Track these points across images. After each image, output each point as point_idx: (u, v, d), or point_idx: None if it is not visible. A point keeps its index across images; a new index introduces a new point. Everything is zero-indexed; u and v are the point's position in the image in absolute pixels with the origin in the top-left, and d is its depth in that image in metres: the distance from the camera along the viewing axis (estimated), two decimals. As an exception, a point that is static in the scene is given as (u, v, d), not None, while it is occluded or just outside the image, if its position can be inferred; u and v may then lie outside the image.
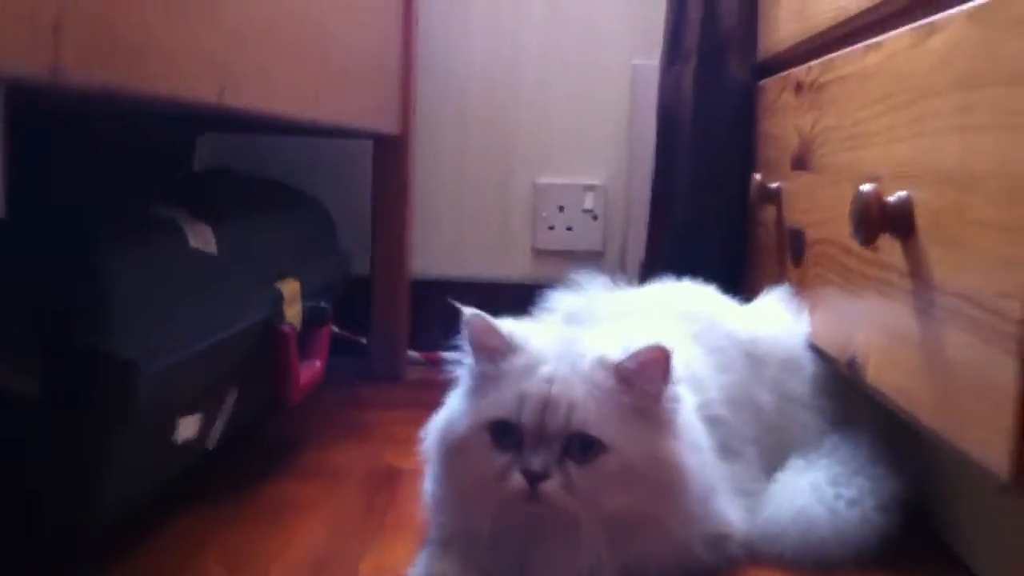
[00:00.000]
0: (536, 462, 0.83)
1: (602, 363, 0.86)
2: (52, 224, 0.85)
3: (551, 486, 0.83)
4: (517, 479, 0.83)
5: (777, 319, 1.16)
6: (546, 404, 0.84)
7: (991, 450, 0.66)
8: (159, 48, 0.58)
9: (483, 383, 0.89)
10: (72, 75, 0.48)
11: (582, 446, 0.84)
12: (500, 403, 0.86)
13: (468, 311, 0.89)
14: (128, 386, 0.81)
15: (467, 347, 0.91)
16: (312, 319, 1.25)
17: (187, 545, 0.97)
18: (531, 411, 0.84)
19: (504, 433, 0.85)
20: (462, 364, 0.93)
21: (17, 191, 0.75)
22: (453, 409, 0.91)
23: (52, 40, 0.46)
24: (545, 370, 0.86)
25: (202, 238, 1.02)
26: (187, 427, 0.96)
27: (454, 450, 0.88)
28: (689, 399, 0.94)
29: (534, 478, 0.83)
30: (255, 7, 0.83)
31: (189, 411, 0.96)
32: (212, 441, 1.06)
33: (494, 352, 0.89)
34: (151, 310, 0.87)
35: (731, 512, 0.97)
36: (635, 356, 0.85)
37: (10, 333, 0.78)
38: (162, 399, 0.86)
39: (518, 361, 0.88)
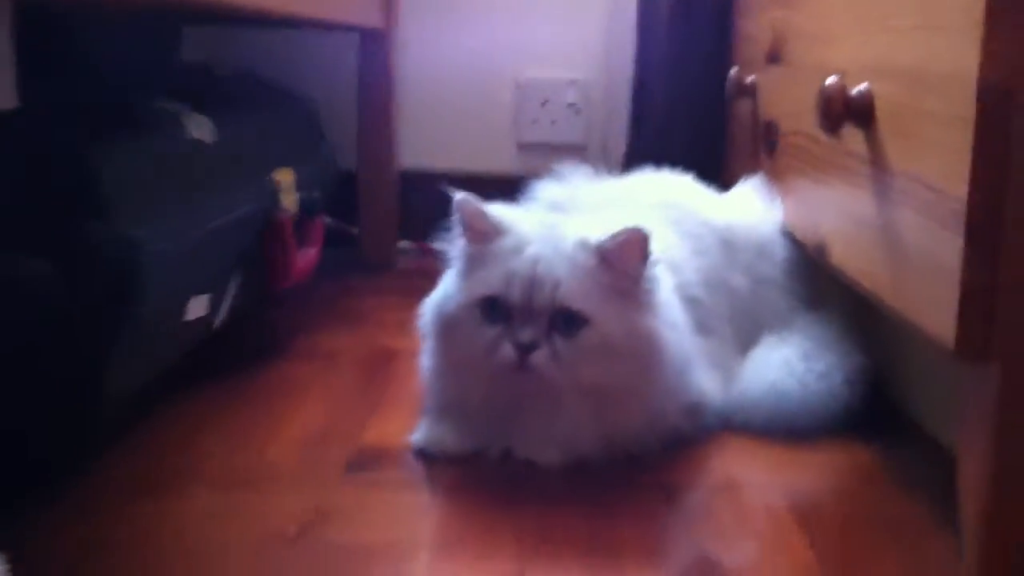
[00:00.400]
0: (525, 335, 0.90)
1: (584, 244, 0.93)
2: (57, 115, 0.89)
3: (539, 357, 0.90)
4: (507, 350, 0.90)
5: (751, 207, 1.23)
6: (532, 281, 0.91)
7: (939, 322, 0.73)
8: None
9: (473, 263, 0.95)
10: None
11: (566, 321, 0.91)
12: (489, 281, 0.92)
13: (459, 195, 0.95)
14: (135, 264, 0.85)
15: (458, 230, 0.97)
16: (306, 208, 1.30)
17: (193, 421, 1.04)
18: (519, 288, 0.91)
19: (493, 309, 0.92)
20: (453, 247, 0.99)
21: (28, 86, 0.80)
22: (447, 288, 0.98)
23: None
24: (531, 250, 0.93)
25: (201, 128, 1.07)
26: (197, 307, 1.02)
27: (448, 326, 0.95)
28: (667, 280, 1.01)
29: (524, 349, 0.90)
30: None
31: (199, 291, 1.02)
32: (218, 321, 1.12)
33: (483, 234, 0.95)
34: (156, 195, 0.92)
35: (707, 384, 1.05)
36: (615, 237, 0.92)
37: (24, 220, 0.82)
38: (174, 278, 0.92)
39: (505, 243, 0.94)
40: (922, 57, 0.77)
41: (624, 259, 0.92)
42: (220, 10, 0.83)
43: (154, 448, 0.98)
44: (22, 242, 0.82)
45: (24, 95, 0.81)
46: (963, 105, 0.69)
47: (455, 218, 0.97)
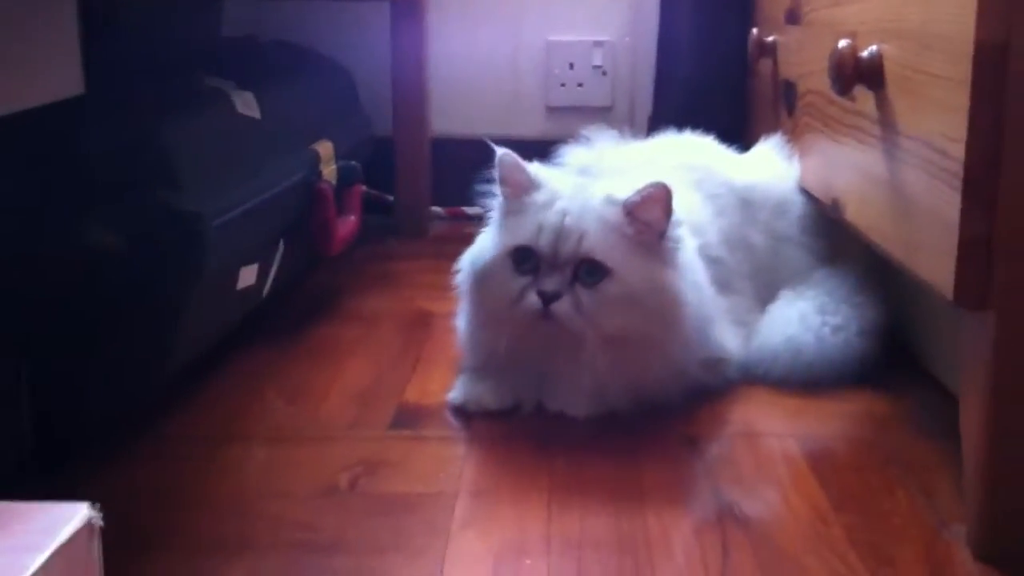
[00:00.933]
0: (550, 284, 0.96)
1: (610, 199, 0.98)
2: (123, 100, 0.96)
3: (562, 306, 0.96)
4: (533, 299, 0.96)
5: (770, 166, 1.27)
6: (560, 232, 0.97)
7: (940, 273, 0.78)
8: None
9: (508, 217, 1.02)
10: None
11: (590, 271, 0.96)
12: (521, 232, 0.98)
13: (500, 150, 1.02)
14: (199, 235, 0.93)
15: (497, 185, 1.02)
16: (346, 177, 1.36)
17: (249, 381, 1.12)
18: (547, 238, 0.97)
19: (524, 259, 0.98)
20: (491, 203, 1.05)
21: (94, 71, 0.87)
22: (483, 242, 1.04)
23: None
24: (560, 204, 0.99)
25: (247, 104, 1.13)
26: (247, 276, 1.09)
27: (481, 276, 1.01)
28: (690, 241, 1.06)
29: (547, 298, 0.96)
30: None
31: (248, 261, 1.09)
32: (266, 289, 1.19)
33: (519, 187, 1.01)
34: (212, 171, 0.98)
35: (728, 339, 1.10)
36: (639, 192, 0.97)
37: (95, 198, 0.89)
38: (227, 250, 0.99)
39: (538, 196, 1.00)
40: (925, 19, 0.81)
41: (648, 213, 0.98)
42: None
43: (218, 405, 1.05)
44: (102, 215, 0.88)
45: (88, 81, 0.87)
46: (961, 66, 0.73)
47: (495, 173, 1.02)
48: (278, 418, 1.02)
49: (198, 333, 1.02)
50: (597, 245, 0.96)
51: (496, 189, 1.04)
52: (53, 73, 0.83)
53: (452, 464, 0.92)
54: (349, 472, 0.90)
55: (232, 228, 0.98)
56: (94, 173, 0.90)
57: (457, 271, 1.07)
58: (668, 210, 0.98)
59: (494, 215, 1.05)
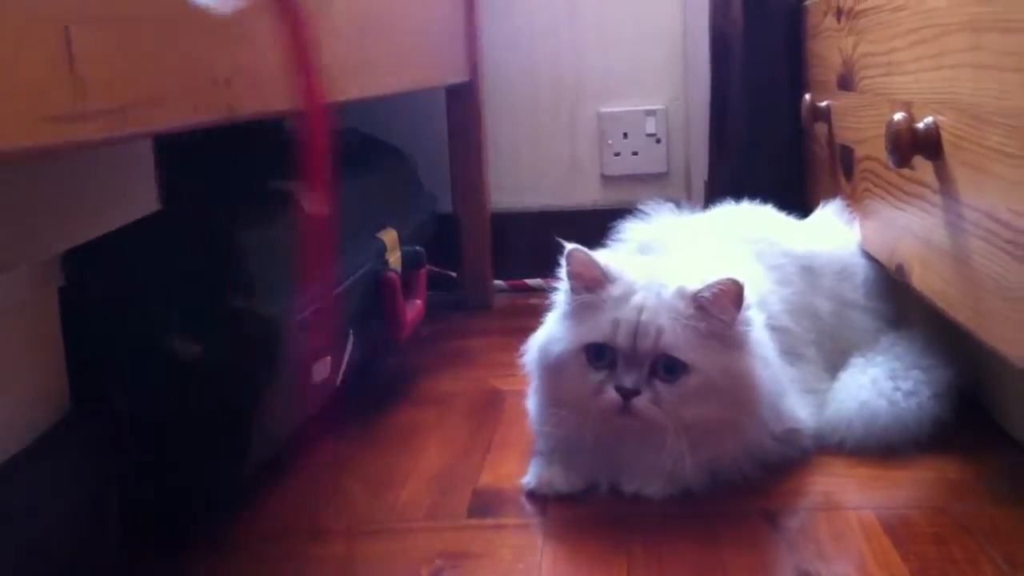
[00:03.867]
0: (629, 380, 0.97)
1: (682, 294, 0.99)
2: (197, 211, 0.99)
3: (641, 401, 0.97)
4: (612, 394, 0.97)
5: (831, 232, 1.28)
6: (637, 329, 0.97)
7: (1012, 343, 0.78)
8: (289, 75, 0.72)
9: (580, 309, 1.02)
10: (242, 111, 0.62)
11: (667, 367, 0.97)
12: (597, 328, 0.99)
13: (569, 246, 1.02)
14: (275, 338, 0.96)
15: (565, 277, 1.04)
16: (411, 263, 1.39)
17: (325, 472, 1.13)
18: (624, 335, 0.98)
19: (599, 355, 0.99)
20: (558, 291, 1.06)
21: (165, 183, 0.91)
22: (551, 330, 1.05)
23: (227, 91, 0.59)
24: (636, 299, 1.00)
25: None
26: (321, 370, 1.11)
27: (553, 368, 1.02)
28: (759, 319, 1.06)
29: (627, 394, 0.96)
30: (348, 13, 0.96)
31: (322, 355, 1.11)
32: (339, 379, 1.21)
33: (591, 282, 1.02)
34: (286, 271, 1.01)
35: (800, 410, 1.10)
36: (711, 287, 0.98)
37: (177, 308, 0.93)
38: (301, 348, 1.02)
39: (613, 291, 1.01)
40: (976, 92, 0.82)
41: (720, 307, 0.98)
42: (342, 104, 0.93)
43: (295, 500, 1.07)
44: (182, 324, 0.92)
45: (163, 197, 0.91)
46: (1018, 142, 0.74)
47: (564, 268, 1.03)
48: (356, 510, 1.04)
49: (274, 431, 1.05)
50: (674, 342, 0.97)
51: (564, 281, 1.05)
52: (131, 195, 0.87)
53: (531, 553, 0.93)
54: (430, 566, 0.91)
55: (306, 326, 1.01)
56: (172, 285, 0.93)
57: (523, 353, 1.08)
58: (739, 304, 0.99)
59: (563, 305, 1.06)
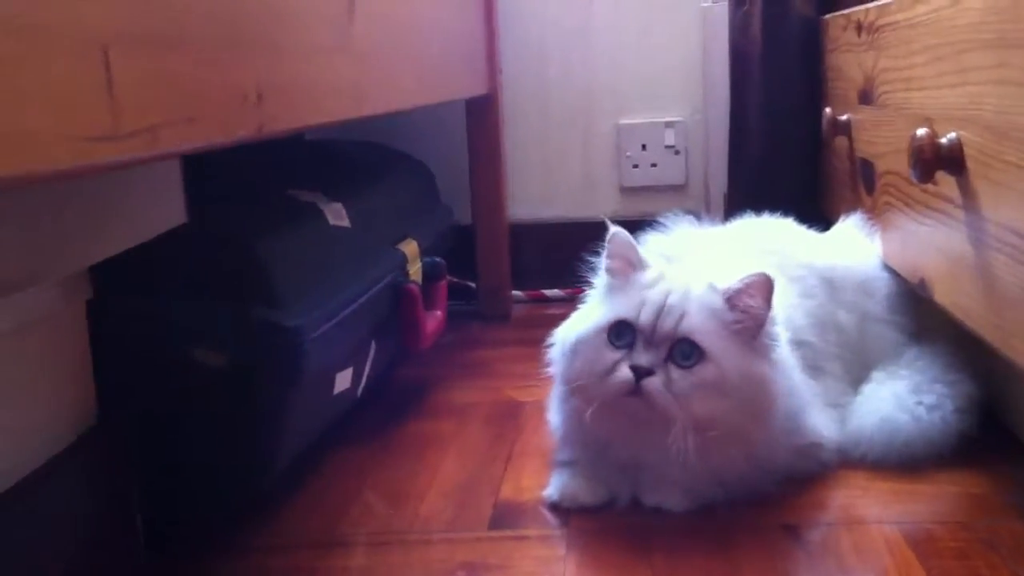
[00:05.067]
0: (644, 359, 0.97)
1: (713, 286, 1.00)
2: (221, 223, 1.00)
3: (653, 383, 0.96)
4: (625, 372, 0.97)
5: (852, 245, 1.28)
6: (661, 309, 0.98)
7: (1036, 359, 0.78)
8: (317, 90, 0.73)
9: (610, 293, 1.04)
10: (272, 129, 0.62)
11: (685, 354, 0.97)
12: (623, 306, 1.00)
13: (614, 227, 1.04)
14: (297, 349, 0.96)
15: (603, 260, 1.05)
16: (431, 274, 1.40)
17: (348, 482, 1.14)
18: (648, 314, 0.98)
19: (621, 333, 0.99)
20: (597, 278, 1.07)
21: (191, 196, 0.92)
22: (580, 316, 1.06)
23: (257, 109, 0.60)
24: (665, 283, 1.01)
25: (337, 215, 1.17)
26: (342, 380, 1.12)
27: (576, 347, 1.02)
28: (784, 335, 1.06)
29: (640, 373, 0.96)
30: (376, 31, 0.97)
31: (343, 366, 1.12)
32: (360, 390, 1.22)
33: (627, 265, 1.03)
34: (308, 284, 1.02)
35: (822, 423, 1.10)
36: (741, 281, 0.99)
37: (200, 319, 0.94)
38: (323, 359, 1.02)
39: (645, 275, 1.02)
40: (1001, 110, 0.82)
41: (749, 302, 0.99)
42: (367, 118, 0.94)
43: (317, 510, 1.07)
44: (208, 336, 0.93)
45: (189, 206, 0.93)
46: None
47: (606, 248, 1.05)
48: (377, 521, 1.04)
49: (296, 440, 1.06)
50: (696, 326, 0.97)
51: (601, 265, 1.06)
52: (158, 208, 0.88)
53: (553, 564, 0.93)
54: (452, 577, 0.91)
55: (328, 338, 1.02)
56: (197, 296, 0.94)
57: (549, 345, 1.08)
58: (768, 300, 0.99)
59: (595, 292, 1.07)
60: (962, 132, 0.91)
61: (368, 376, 1.24)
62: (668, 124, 1.95)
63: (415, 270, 1.34)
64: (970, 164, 0.90)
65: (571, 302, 1.11)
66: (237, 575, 0.94)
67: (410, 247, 1.35)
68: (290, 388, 0.98)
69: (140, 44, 0.50)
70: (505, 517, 1.03)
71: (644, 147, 1.96)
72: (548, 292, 1.95)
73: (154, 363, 0.96)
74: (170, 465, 1.00)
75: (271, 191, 1.16)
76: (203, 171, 1.03)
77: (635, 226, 1.29)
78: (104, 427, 0.94)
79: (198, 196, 0.99)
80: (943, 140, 0.93)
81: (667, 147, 1.96)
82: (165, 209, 0.90)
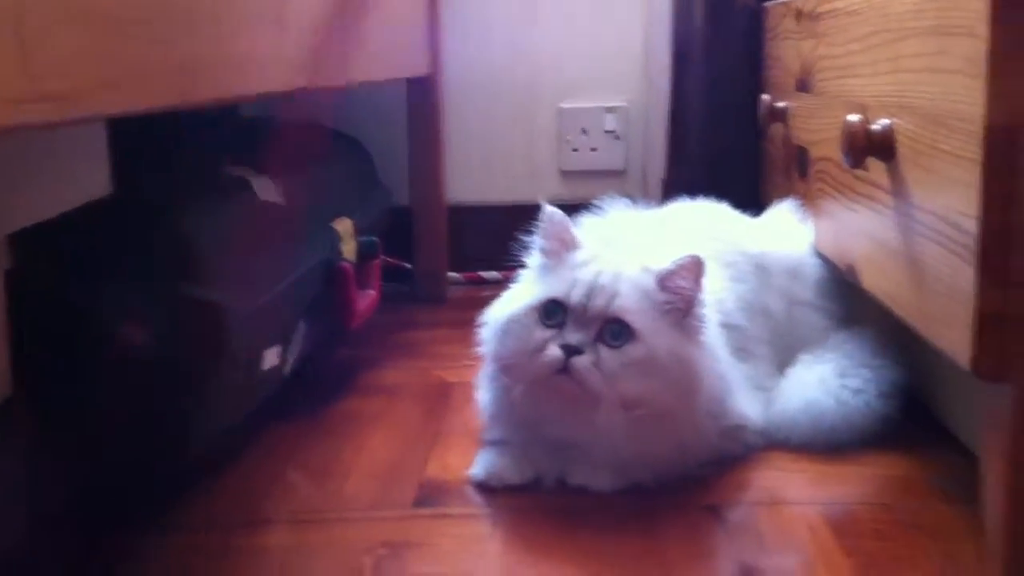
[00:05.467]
0: (574, 338, 0.97)
1: (645, 268, 1.00)
2: (149, 197, 0.98)
3: (582, 361, 0.96)
4: (554, 351, 0.97)
5: (784, 230, 1.28)
6: (593, 289, 0.98)
7: (958, 344, 0.78)
8: (250, 60, 0.71)
9: (543, 272, 1.04)
10: (196, 98, 0.61)
11: (615, 334, 0.97)
12: (554, 285, 1.00)
13: (549, 207, 1.04)
14: (224, 326, 0.95)
15: (538, 240, 1.05)
16: (365, 253, 1.38)
17: (273, 460, 1.12)
18: (579, 293, 0.98)
19: (552, 313, 0.99)
20: (530, 259, 1.07)
21: (118, 168, 0.90)
22: (512, 295, 1.06)
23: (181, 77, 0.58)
24: (597, 264, 1.01)
25: (269, 191, 1.15)
26: (270, 358, 1.10)
27: (507, 326, 1.02)
28: (713, 318, 1.07)
29: (570, 351, 0.96)
30: (311, 6, 0.95)
31: (271, 343, 1.10)
32: (288, 368, 1.20)
33: (562, 245, 1.03)
34: (237, 261, 1.00)
35: (748, 407, 1.11)
36: (674, 262, 0.99)
37: (123, 292, 0.92)
38: (250, 337, 1.01)
39: (578, 256, 1.02)
40: (934, 96, 0.83)
41: (680, 283, 0.99)
42: (299, 92, 0.93)
43: (240, 489, 1.06)
44: (129, 310, 0.91)
45: (115, 177, 0.90)
46: (972, 145, 0.74)
47: (541, 227, 1.05)
48: (300, 499, 1.03)
49: (221, 418, 1.04)
50: (627, 306, 0.98)
51: (535, 245, 1.06)
52: (82, 177, 0.86)
53: (477, 543, 0.92)
54: (373, 555, 0.90)
55: (256, 315, 1.00)
56: (121, 270, 0.92)
57: (482, 325, 1.07)
58: (699, 282, 0.99)
59: (527, 271, 1.07)
60: (895, 119, 0.92)
61: (297, 355, 1.23)
62: (609, 109, 1.95)
63: (349, 249, 1.33)
64: (901, 151, 0.91)
65: (508, 284, 1.10)
66: (158, 553, 0.93)
67: (344, 226, 1.33)
68: (215, 365, 0.96)
69: (57, 6, 0.49)
70: (430, 496, 1.02)
71: (585, 131, 1.96)
72: (486, 274, 1.94)
73: (75, 337, 0.93)
74: (90, 442, 0.97)
75: (202, 166, 1.14)
76: (133, 143, 1.01)
77: (575, 210, 1.29)
78: (19, 401, 0.91)
79: (127, 168, 0.97)
80: (875, 126, 0.94)
81: (607, 132, 1.96)
82: (90, 179, 0.87)
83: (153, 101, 0.59)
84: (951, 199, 0.79)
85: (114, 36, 0.55)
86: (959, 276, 0.77)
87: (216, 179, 1.10)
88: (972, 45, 0.74)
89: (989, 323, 0.74)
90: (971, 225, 0.75)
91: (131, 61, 0.56)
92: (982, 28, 0.72)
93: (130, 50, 0.56)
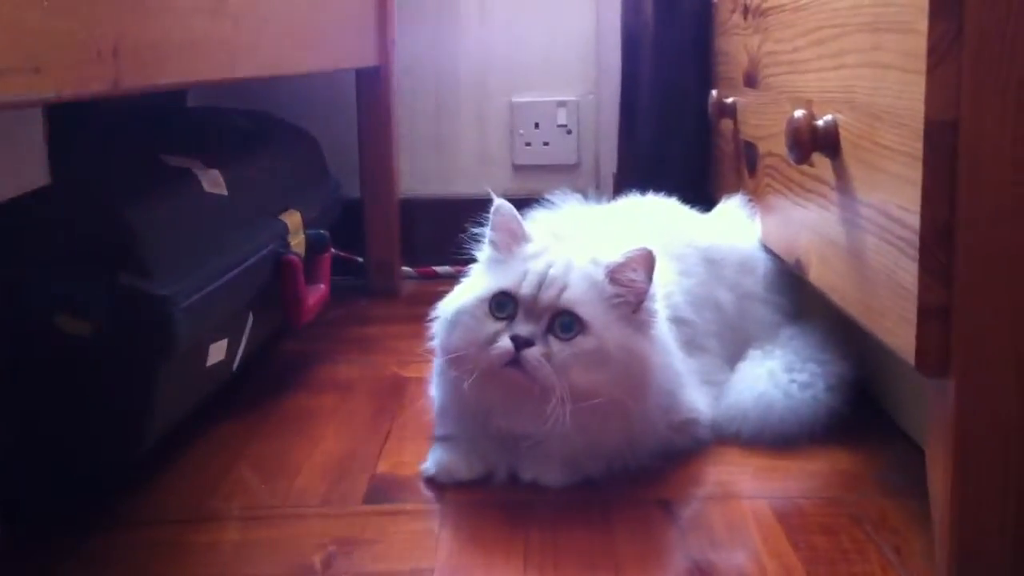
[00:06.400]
0: (524, 330, 0.97)
1: (596, 261, 1.00)
2: (89, 186, 0.96)
3: (532, 353, 0.96)
4: (505, 343, 0.97)
5: (733, 225, 1.29)
6: (543, 281, 0.98)
7: (902, 339, 0.79)
8: (186, 47, 0.70)
9: (493, 265, 1.04)
10: (126, 84, 0.60)
11: (565, 326, 0.97)
12: (506, 277, 1.00)
13: (498, 200, 1.04)
14: (167, 319, 0.93)
15: (488, 232, 1.05)
16: (314, 246, 1.37)
17: (222, 456, 1.11)
18: (529, 285, 0.98)
19: (502, 305, 0.99)
20: (480, 252, 1.07)
21: (56, 158, 0.88)
22: (462, 288, 1.05)
23: (113, 63, 0.57)
24: (548, 256, 1.01)
25: (214, 182, 1.14)
26: (216, 352, 1.09)
27: (457, 318, 1.01)
28: (663, 312, 1.07)
29: (520, 343, 0.96)
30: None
31: (217, 337, 1.09)
32: (236, 363, 1.19)
33: (511, 237, 1.03)
34: (180, 253, 0.99)
35: (698, 400, 1.11)
36: (624, 255, 0.99)
37: (64, 285, 0.90)
38: (196, 329, 0.99)
39: (527, 249, 1.02)
40: (874, 92, 0.84)
41: (630, 275, 0.99)
42: (240, 81, 0.91)
43: (187, 485, 1.04)
44: (70, 302, 0.89)
45: (53, 167, 0.88)
46: (912, 140, 0.75)
47: (490, 220, 1.04)
48: (250, 495, 1.02)
49: (167, 413, 1.02)
50: (577, 298, 0.98)
51: (485, 238, 1.05)
52: (19, 167, 0.84)
53: (427, 539, 0.92)
54: (323, 552, 0.89)
55: (201, 308, 0.99)
56: (61, 261, 0.90)
57: (433, 319, 1.06)
58: (650, 275, 1.00)
59: (477, 265, 1.07)
60: (838, 114, 0.93)
61: (245, 349, 1.21)
62: (560, 103, 1.95)
63: (297, 242, 1.31)
64: (845, 146, 0.92)
65: (460, 279, 1.10)
66: (104, 550, 0.91)
67: (292, 218, 1.32)
68: (159, 359, 0.95)
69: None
70: (381, 492, 1.02)
71: (537, 125, 1.96)
72: (439, 269, 1.93)
73: (14, 330, 0.92)
74: (33, 438, 0.96)
75: (145, 156, 1.12)
76: (73, 133, 0.99)
77: (526, 204, 1.29)
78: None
79: (66, 159, 0.95)
80: (819, 122, 0.95)
81: (559, 126, 1.96)
82: (26, 168, 0.85)
83: (83, 87, 0.57)
84: (893, 194, 0.80)
85: (41, 17, 0.53)
86: (902, 271, 0.78)
87: (159, 170, 1.08)
88: (911, 41, 0.75)
89: (932, 318, 0.75)
90: (913, 220, 0.76)
91: (58, 45, 0.55)
92: (921, 23, 0.72)
93: (57, 33, 0.54)
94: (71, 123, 0.94)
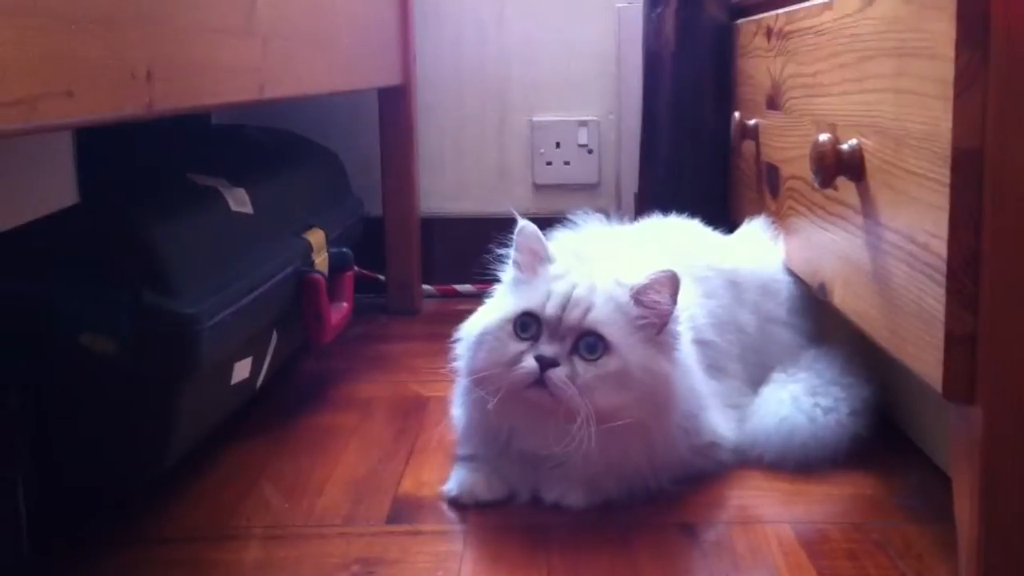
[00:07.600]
0: (549, 350, 0.97)
1: (620, 282, 1.01)
2: (115, 205, 0.97)
3: (557, 374, 0.96)
4: (530, 363, 0.97)
5: (756, 247, 1.29)
6: (568, 301, 0.98)
7: (928, 365, 0.79)
8: (218, 68, 0.71)
9: (518, 286, 1.04)
10: (159, 107, 0.60)
11: (590, 347, 0.97)
12: (530, 298, 1.00)
13: (522, 220, 1.04)
14: (192, 338, 0.94)
15: (512, 253, 1.05)
16: (337, 264, 1.38)
17: (244, 474, 1.12)
18: (554, 306, 0.98)
19: (526, 325, 0.99)
20: (504, 273, 1.07)
21: (84, 177, 0.89)
22: (486, 309, 1.06)
23: (146, 86, 0.58)
24: (572, 277, 1.01)
25: (240, 201, 1.14)
26: (241, 370, 1.09)
27: (481, 339, 1.01)
28: (686, 334, 1.07)
29: (545, 364, 0.96)
30: (282, 14, 0.95)
31: (242, 356, 1.09)
32: (259, 381, 1.19)
33: (535, 258, 1.03)
34: (205, 271, 1.00)
35: (720, 424, 1.11)
36: (649, 276, 1.00)
37: (90, 303, 0.91)
38: (221, 348, 1.00)
39: (552, 269, 1.03)
40: (901, 118, 0.84)
41: (655, 298, 0.99)
42: (269, 102, 0.92)
43: (211, 503, 1.05)
44: (95, 321, 0.90)
45: (81, 187, 0.89)
46: (938, 167, 0.75)
47: (514, 241, 1.05)
48: (273, 514, 1.02)
49: (192, 431, 1.03)
50: (602, 319, 0.98)
51: (508, 259, 1.06)
52: (48, 187, 0.85)
53: (450, 560, 0.92)
54: (346, 572, 0.90)
55: (225, 326, 0.99)
56: (87, 279, 0.91)
57: (456, 340, 1.06)
58: (674, 296, 1.00)
59: (502, 285, 1.07)
60: (863, 139, 0.93)
61: (269, 367, 1.22)
62: (582, 123, 1.96)
63: (321, 260, 1.32)
64: (869, 170, 0.92)
65: (481, 298, 1.10)
66: (127, 568, 0.92)
67: (316, 236, 1.33)
68: (184, 377, 0.95)
69: (17, 11, 0.48)
70: (403, 512, 1.02)
71: (558, 145, 1.97)
72: (459, 287, 1.94)
73: (41, 348, 0.92)
74: (58, 455, 0.96)
75: (171, 175, 1.13)
76: (101, 152, 1.00)
77: (547, 223, 1.29)
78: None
79: (94, 177, 0.95)
80: (844, 146, 0.94)
81: (580, 146, 1.96)
82: (55, 188, 0.86)
83: (117, 110, 0.58)
84: (920, 220, 0.80)
85: (76, 42, 0.53)
86: (929, 297, 0.78)
87: (186, 189, 1.09)
88: (937, 67, 0.75)
89: (959, 345, 0.75)
90: (939, 246, 0.76)
91: (93, 68, 0.55)
92: (946, 49, 0.72)
93: (92, 57, 0.55)
94: (99, 142, 0.95)
